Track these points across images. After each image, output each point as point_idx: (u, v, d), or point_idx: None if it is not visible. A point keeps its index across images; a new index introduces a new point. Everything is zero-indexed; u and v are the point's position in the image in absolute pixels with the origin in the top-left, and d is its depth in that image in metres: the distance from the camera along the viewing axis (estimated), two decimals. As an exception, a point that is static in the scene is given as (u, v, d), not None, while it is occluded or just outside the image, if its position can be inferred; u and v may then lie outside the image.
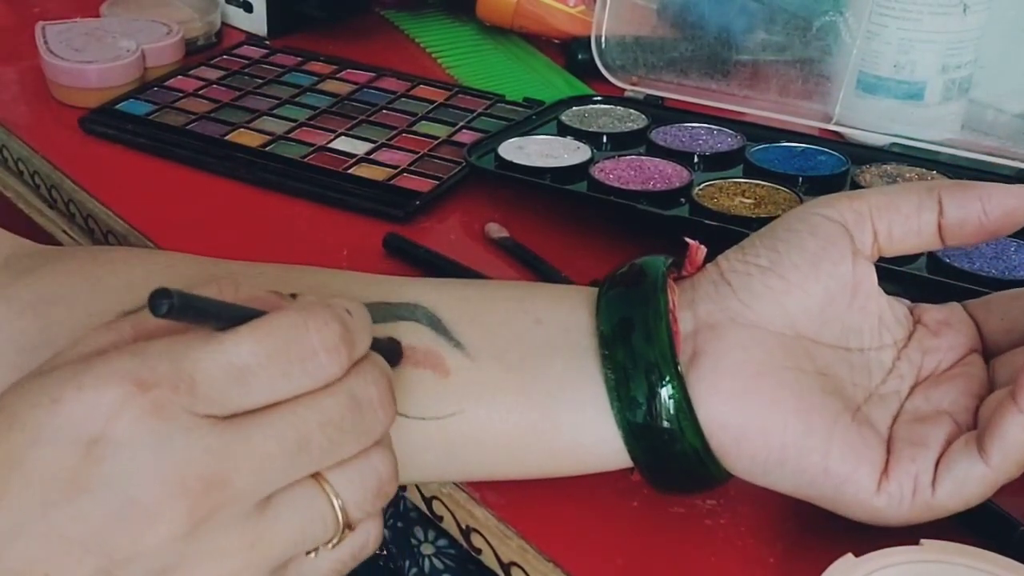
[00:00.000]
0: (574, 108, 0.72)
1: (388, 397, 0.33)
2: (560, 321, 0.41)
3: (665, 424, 0.38)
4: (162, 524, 0.29)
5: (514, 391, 0.40)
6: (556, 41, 0.87)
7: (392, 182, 0.66)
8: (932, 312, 0.43)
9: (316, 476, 0.32)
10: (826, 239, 0.40)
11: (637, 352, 0.39)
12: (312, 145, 0.70)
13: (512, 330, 0.41)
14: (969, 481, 0.37)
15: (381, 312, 0.41)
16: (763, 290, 0.39)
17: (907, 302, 0.43)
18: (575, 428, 0.40)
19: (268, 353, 0.31)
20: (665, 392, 0.38)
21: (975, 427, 0.39)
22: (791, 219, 0.41)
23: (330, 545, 0.33)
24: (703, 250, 0.42)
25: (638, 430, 0.39)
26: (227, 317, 0.31)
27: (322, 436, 0.31)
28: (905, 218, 0.40)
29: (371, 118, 0.74)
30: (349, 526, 0.33)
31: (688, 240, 0.42)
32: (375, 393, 0.33)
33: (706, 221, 0.58)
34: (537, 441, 0.40)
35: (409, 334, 0.40)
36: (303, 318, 0.31)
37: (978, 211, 0.40)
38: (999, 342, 0.42)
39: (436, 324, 0.41)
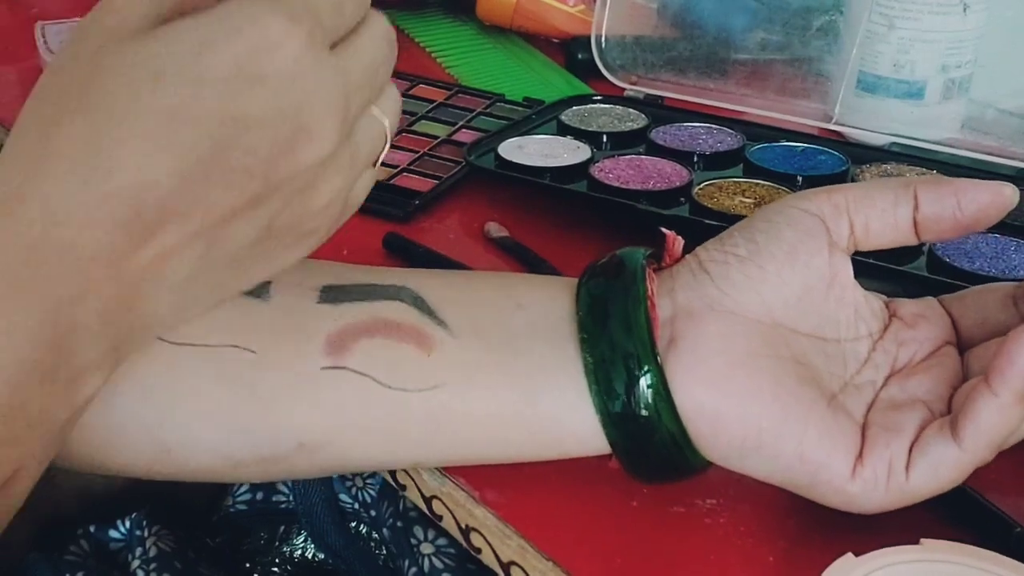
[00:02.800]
0: (574, 108, 0.72)
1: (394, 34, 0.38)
2: (542, 306, 0.42)
3: (643, 412, 0.39)
4: (319, 144, 0.33)
5: (495, 370, 0.40)
6: (556, 41, 0.87)
7: (392, 181, 0.66)
8: (908, 306, 0.43)
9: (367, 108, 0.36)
10: (803, 231, 0.40)
11: (616, 341, 0.39)
12: (312, 145, 0.70)
13: (495, 313, 0.42)
14: (943, 465, 0.37)
15: (368, 292, 0.42)
16: (741, 278, 0.40)
17: (883, 297, 0.44)
18: (555, 409, 0.40)
19: None
20: (644, 381, 0.39)
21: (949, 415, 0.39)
22: (769, 211, 0.42)
23: (380, 158, 0.38)
24: (680, 241, 0.43)
25: (616, 417, 0.39)
26: None
27: (384, 69, 0.36)
28: (881, 212, 0.41)
29: (371, 118, 0.74)
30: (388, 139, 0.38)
31: (665, 231, 0.43)
32: (393, 34, 0.37)
33: (706, 220, 0.58)
34: (518, 421, 0.40)
35: (394, 312, 0.41)
36: None
37: (953, 206, 0.40)
38: (973, 335, 0.42)
39: (421, 304, 0.41)
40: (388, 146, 0.38)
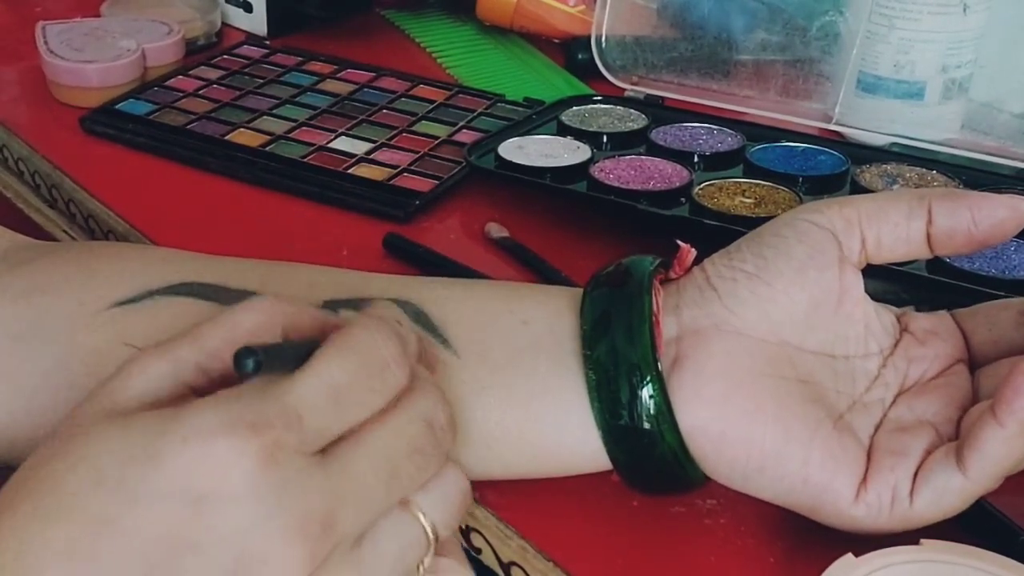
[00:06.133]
0: (574, 108, 0.72)
1: (452, 417, 0.34)
2: (546, 322, 0.41)
3: (645, 426, 0.38)
4: (278, 572, 0.28)
5: (499, 390, 0.40)
6: (556, 41, 0.87)
7: (392, 182, 0.66)
8: (920, 320, 0.43)
9: (403, 502, 0.32)
10: (813, 246, 0.40)
11: (619, 353, 0.39)
12: (312, 145, 0.70)
13: (498, 330, 0.41)
14: (947, 493, 0.37)
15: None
16: (748, 296, 0.40)
17: (895, 309, 0.43)
18: (557, 429, 0.40)
19: (355, 369, 0.31)
20: (646, 393, 0.38)
21: (957, 438, 0.38)
22: (779, 224, 0.41)
23: (421, 570, 0.33)
24: (693, 253, 0.42)
25: (618, 431, 0.39)
26: (297, 356, 0.31)
27: (410, 464, 0.32)
28: (894, 226, 0.40)
29: (371, 118, 0.74)
30: (437, 541, 0.33)
31: (679, 243, 0.42)
32: (444, 415, 0.34)
33: (706, 221, 0.58)
34: (520, 440, 0.40)
35: None
36: (372, 333, 0.32)
37: (968, 221, 0.40)
38: (986, 353, 0.42)
39: (424, 321, 0.41)
40: (432, 552, 0.33)
